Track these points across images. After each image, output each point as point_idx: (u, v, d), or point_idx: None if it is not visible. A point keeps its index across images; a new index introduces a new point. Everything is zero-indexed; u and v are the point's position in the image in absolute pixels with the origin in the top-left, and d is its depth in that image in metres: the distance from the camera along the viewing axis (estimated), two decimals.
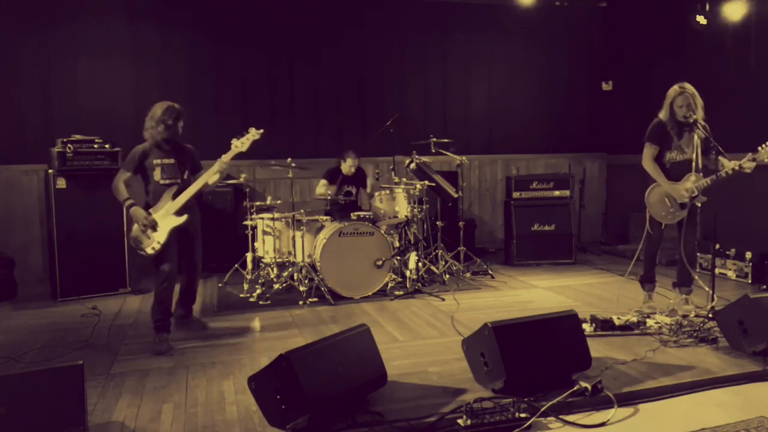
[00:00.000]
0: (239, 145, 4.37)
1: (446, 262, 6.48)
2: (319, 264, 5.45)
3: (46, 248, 6.47)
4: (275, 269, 6.14)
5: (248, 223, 6.10)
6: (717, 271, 5.93)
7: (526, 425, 2.93)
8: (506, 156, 8.42)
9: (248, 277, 6.05)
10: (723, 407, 3.22)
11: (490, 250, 8.04)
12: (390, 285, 5.80)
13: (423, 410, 3.11)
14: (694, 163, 4.59)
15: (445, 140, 6.73)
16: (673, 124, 4.68)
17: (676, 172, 4.69)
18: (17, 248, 6.48)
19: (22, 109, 6.73)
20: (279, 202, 6.21)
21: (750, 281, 5.80)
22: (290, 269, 5.86)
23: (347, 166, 6.51)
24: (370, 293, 5.60)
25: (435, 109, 8.17)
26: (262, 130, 4.41)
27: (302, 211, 5.80)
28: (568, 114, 8.62)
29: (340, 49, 7.70)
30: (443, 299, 5.52)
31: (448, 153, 6.76)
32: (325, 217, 5.94)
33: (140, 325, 4.84)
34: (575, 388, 3.23)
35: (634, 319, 4.47)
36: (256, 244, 6.07)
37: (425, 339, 4.41)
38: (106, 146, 5.86)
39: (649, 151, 4.77)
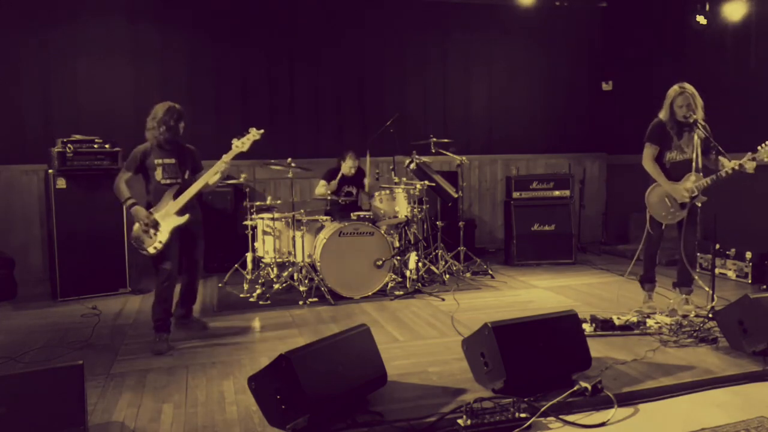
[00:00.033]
0: (240, 145, 4.37)
1: (446, 262, 6.48)
2: (319, 264, 5.45)
3: (46, 248, 6.47)
4: (275, 269, 6.14)
5: (248, 223, 6.10)
6: (717, 271, 5.93)
7: (526, 425, 2.93)
8: (506, 156, 8.42)
9: (248, 277, 6.05)
10: (723, 407, 3.21)
11: (490, 250, 8.04)
12: (390, 285, 5.80)
13: (423, 410, 3.11)
14: (694, 163, 4.59)
15: (445, 140, 6.73)
16: (673, 124, 4.67)
17: (676, 172, 4.69)
18: (17, 248, 6.48)
19: (22, 109, 6.73)
20: (279, 202, 6.22)
21: (750, 281, 5.80)
22: (290, 269, 5.86)
23: (347, 166, 6.51)
24: (370, 293, 5.60)
25: (435, 109, 8.17)
26: (262, 130, 4.41)
27: (302, 211, 5.80)
28: (568, 114, 8.62)
29: (340, 49, 7.71)
30: (443, 299, 5.52)
31: (448, 153, 6.76)
32: (325, 217, 5.94)
33: (140, 325, 4.84)
34: (575, 388, 3.23)
35: (634, 319, 4.47)
36: (256, 244, 6.07)
37: (425, 339, 4.41)
38: (106, 146, 5.87)
39: (649, 151, 4.77)
